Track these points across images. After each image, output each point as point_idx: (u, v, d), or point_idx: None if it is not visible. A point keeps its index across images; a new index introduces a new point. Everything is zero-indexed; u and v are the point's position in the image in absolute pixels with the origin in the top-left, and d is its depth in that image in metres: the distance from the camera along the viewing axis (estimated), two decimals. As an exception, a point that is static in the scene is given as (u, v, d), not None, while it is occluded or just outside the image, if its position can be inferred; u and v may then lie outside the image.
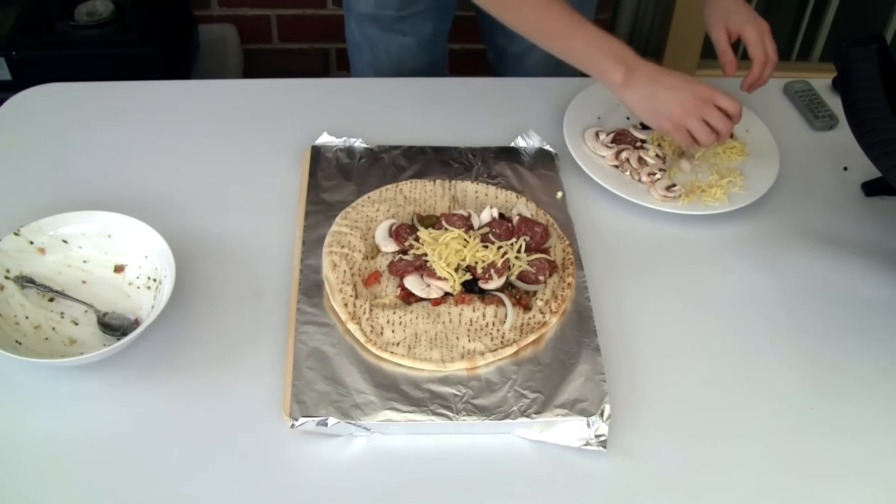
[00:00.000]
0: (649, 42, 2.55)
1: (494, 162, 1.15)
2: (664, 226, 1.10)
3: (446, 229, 1.00)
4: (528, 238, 1.00)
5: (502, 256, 0.97)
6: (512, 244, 0.99)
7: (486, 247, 0.97)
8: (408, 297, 0.95)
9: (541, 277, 0.97)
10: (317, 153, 1.14)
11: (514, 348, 0.91)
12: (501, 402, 0.86)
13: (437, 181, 1.10)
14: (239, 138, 1.19)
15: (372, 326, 0.91)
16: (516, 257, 0.97)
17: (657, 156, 1.18)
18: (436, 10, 1.41)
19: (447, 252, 0.96)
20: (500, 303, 0.95)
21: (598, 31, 1.07)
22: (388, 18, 1.39)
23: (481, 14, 1.49)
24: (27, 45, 1.79)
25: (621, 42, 1.07)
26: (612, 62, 1.05)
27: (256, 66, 2.29)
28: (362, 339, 0.90)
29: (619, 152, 1.18)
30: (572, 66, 1.10)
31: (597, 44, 1.07)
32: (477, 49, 1.54)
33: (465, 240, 0.98)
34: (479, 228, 1.02)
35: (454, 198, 1.08)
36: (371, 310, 0.93)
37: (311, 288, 0.96)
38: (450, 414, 0.85)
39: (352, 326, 0.91)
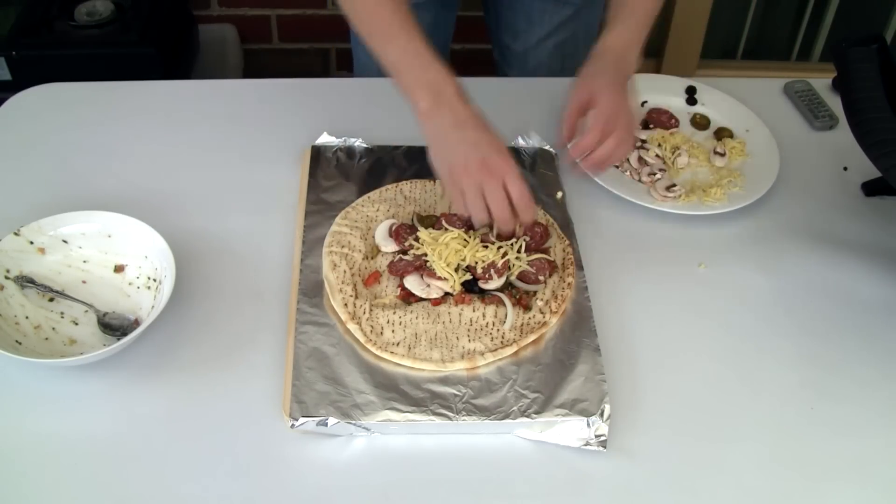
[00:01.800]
0: (649, 42, 2.55)
1: (494, 162, 1.15)
2: (664, 226, 1.10)
3: (446, 229, 1.00)
4: (527, 238, 1.00)
5: (502, 257, 0.97)
6: (512, 244, 0.98)
7: (486, 247, 0.97)
8: (408, 297, 0.95)
9: (541, 277, 0.97)
10: (317, 153, 1.14)
11: (514, 348, 0.91)
12: (501, 402, 0.86)
13: (437, 181, 1.10)
14: (239, 138, 1.19)
15: (372, 326, 0.91)
16: (516, 257, 0.97)
17: (657, 156, 1.18)
18: (434, 4, 1.39)
19: (447, 252, 0.96)
20: (500, 303, 0.95)
21: (421, 47, 0.95)
22: None
23: (488, 13, 1.49)
24: (27, 45, 1.79)
25: (447, 71, 0.96)
26: (421, 85, 0.95)
27: (256, 66, 2.29)
28: (362, 339, 0.90)
29: (619, 152, 1.18)
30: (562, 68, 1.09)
31: (412, 59, 0.96)
32: (477, 49, 1.55)
33: (465, 240, 0.98)
34: (479, 228, 1.02)
35: (454, 198, 1.08)
36: (371, 310, 0.93)
37: (311, 288, 0.96)
38: (450, 414, 0.85)
39: (352, 326, 0.91)
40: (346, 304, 0.93)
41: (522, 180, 0.93)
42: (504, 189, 0.92)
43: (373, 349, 0.90)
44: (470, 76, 1.38)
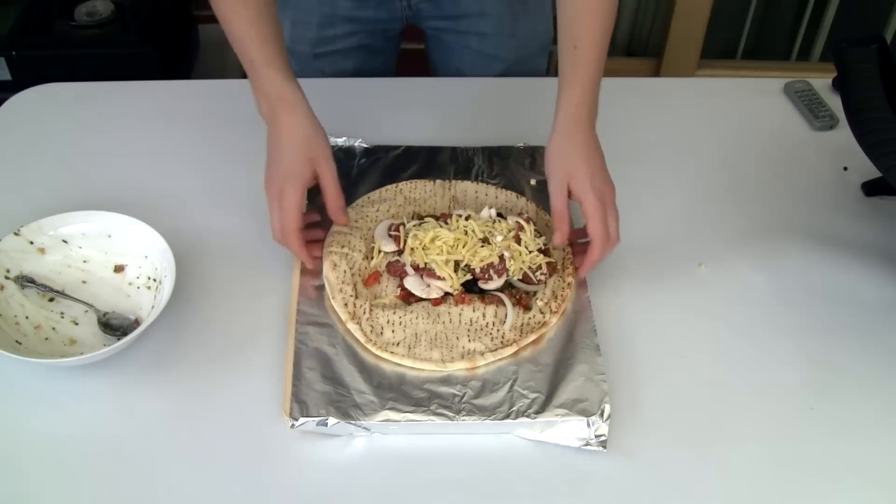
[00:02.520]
0: (649, 42, 2.55)
1: (494, 162, 1.15)
2: (664, 226, 1.10)
3: (441, 226, 0.99)
4: (544, 276, 0.99)
5: (499, 257, 0.96)
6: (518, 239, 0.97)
7: (484, 246, 0.97)
8: (408, 297, 0.95)
9: (541, 277, 0.97)
10: (317, 153, 1.13)
11: (514, 348, 0.91)
12: (501, 402, 0.86)
13: (437, 181, 1.10)
14: (239, 138, 1.19)
15: (372, 326, 0.91)
16: (530, 252, 0.97)
17: (657, 156, 1.18)
18: (357, 50, 1.36)
19: (439, 248, 0.95)
20: (500, 303, 0.95)
21: (257, 55, 0.96)
22: (303, 55, 1.34)
23: (430, 54, 1.46)
24: (27, 45, 1.79)
25: (287, 77, 0.97)
26: (259, 92, 0.98)
27: (256, 66, 2.28)
28: (362, 339, 0.90)
29: (619, 152, 1.18)
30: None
31: (253, 62, 0.97)
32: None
33: (464, 234, 0.97)
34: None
35: (454, 198, 1.08)
36: (371, 310, 0.93)
37: (311, 288, 0.96)
38: (450, 414, 0.85)
39: (352, 326, 0.91)
40: (346, 304, 0.93)
41: (295, 194, 0.93)
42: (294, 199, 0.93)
43: (373, 349, 0.90)
44: (471, 77, 1.39)
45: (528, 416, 0.85)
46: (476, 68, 1.37)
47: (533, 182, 1.12)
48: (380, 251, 1.00)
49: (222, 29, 0.99)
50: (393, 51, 1.43)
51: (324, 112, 1.24)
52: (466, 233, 0.97)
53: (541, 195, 1.10)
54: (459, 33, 1.35)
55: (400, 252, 0.98)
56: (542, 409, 0.85)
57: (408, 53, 1.49)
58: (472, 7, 1.30)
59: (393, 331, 0.91)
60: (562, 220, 0.97)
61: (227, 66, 2.17)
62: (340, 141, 1.16)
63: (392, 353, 0.89)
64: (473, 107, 1.27)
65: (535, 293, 0.96)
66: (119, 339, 0.89)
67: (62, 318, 0.94)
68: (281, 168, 0.95)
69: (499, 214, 1.03)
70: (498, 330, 0.92)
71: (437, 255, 0.95)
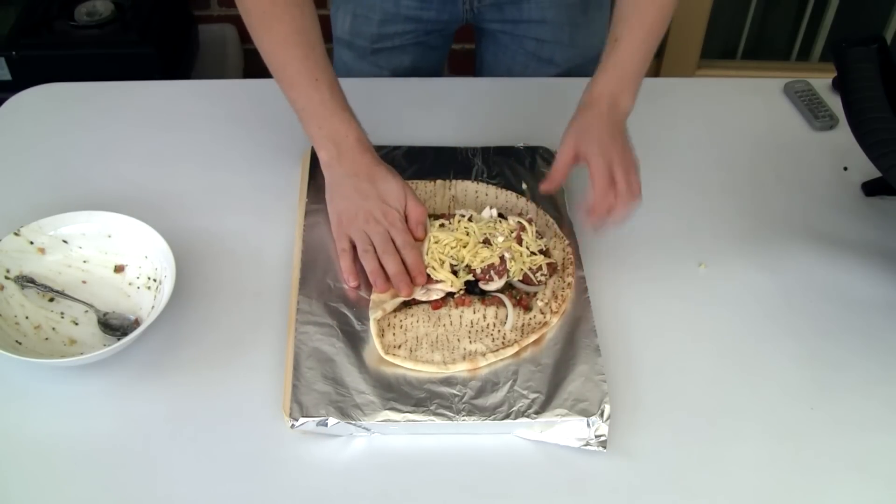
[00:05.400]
0: (649, 42, 2.55)
1: (494, 162, 1.15)
2: (664, 225, 1.10)
3: (442, 225, 0.99)
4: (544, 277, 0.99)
5: (500, 259, 0.96)
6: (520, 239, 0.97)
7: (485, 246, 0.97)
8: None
9: (541, 278, 0.97)
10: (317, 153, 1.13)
11: (515, 349, 0.91)
12: (501, 402, 0.86)
13: (438, 181, 1.10)
14: (239, 138, 1.19)
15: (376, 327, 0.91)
16: (531, 253, 0.97)
17: (657, 156, 1.18)
18: (415, 46, 1.37)
19: (439, 250, 0.96)
20: (501, 304, 0.95)
21: (326, 95, 0.96)
22: (361, 48, 1.36)
23: (476, 53, 1.48)
24: (27, 45, 1.79)
25: (350, 119, 0.98)
26: (322, 136, 0.98)
27: (256, 66, 2.28)
28: (374, 333, 0.90)
29: (619, 152, 1.17)
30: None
31: (316, 108, 0.97)
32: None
33: (465, 235, 0.97)
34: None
35: (454, 198, 1.08)
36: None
37: (312, 288, 0.96)
38: (450, 414, 0.85)
39: (374, 314, 0.91)
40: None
41: (407, 235, 0.95)
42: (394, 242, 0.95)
43: (378, 348, 0.89)
44: (470, 76, 1.39)
45: (528, 417, 0.85)
46: (528, 69, 1.38)
47: (524, 185, 1.11)
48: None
49: (274, 76, 0.98)
50: (447, 46, 1.45)
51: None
52: (468, 233, 0.97)
53: (535, 195, 1.10)
54: (516, 36, 1.36)
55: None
56: (542, 410, 0.85)
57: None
58: (534, 14, 1.31)
59: (394, 334, 0.91)
60: (556, 173, 0.98)
61: (227, 66, 2.17)
62: (340, 141, 1.15)
63: (394, 355, 0.89)
64: (473, 107, 1.27)
65: (535, 294, 0.96)
66: (119, 339, 0.89)
67: (62, 318, 0.94)
68: (370, 198, 0.96)
69: (500, 215, 1.04)
70: (499, 331, 0.92)
71: (433, 259, 0.95)
